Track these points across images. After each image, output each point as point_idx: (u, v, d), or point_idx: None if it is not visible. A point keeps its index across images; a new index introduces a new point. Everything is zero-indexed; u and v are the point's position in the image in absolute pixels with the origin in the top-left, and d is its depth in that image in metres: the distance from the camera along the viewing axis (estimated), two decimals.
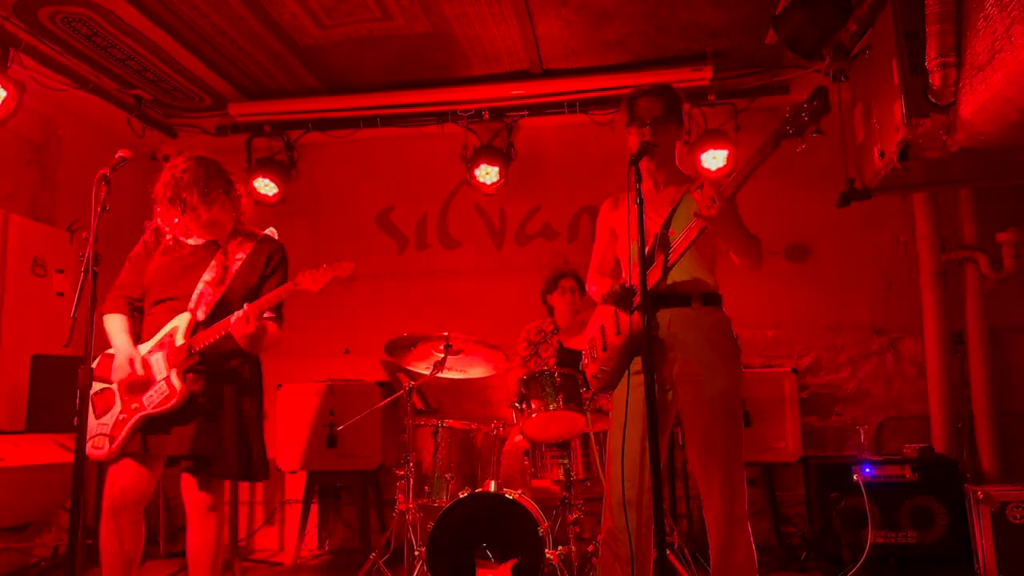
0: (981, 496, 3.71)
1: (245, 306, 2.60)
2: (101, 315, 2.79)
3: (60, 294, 4.73)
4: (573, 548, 3.41)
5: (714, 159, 4.70)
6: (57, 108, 4.87)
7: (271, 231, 2.96)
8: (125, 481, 2.66)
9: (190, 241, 2.85)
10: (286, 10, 4.02)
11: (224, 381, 2.75)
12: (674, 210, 2.60)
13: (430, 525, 3.38)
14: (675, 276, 2.53)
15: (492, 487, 3.46)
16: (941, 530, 3.92)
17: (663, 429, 2.56)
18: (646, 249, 2.38)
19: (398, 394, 3.85)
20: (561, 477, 3.55)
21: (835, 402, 4.95)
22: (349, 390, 4.76)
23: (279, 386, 4.77)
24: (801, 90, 4.75)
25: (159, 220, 2.82)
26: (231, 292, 2.76)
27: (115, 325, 2.81)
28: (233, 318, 2.60)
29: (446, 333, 3.52)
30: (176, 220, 2.77)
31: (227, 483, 2.84)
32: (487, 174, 5.03)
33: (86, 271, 2.34)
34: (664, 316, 2.53)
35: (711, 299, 2.58)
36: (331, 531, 5.20)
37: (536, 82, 4.85)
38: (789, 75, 4.75)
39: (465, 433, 3.75)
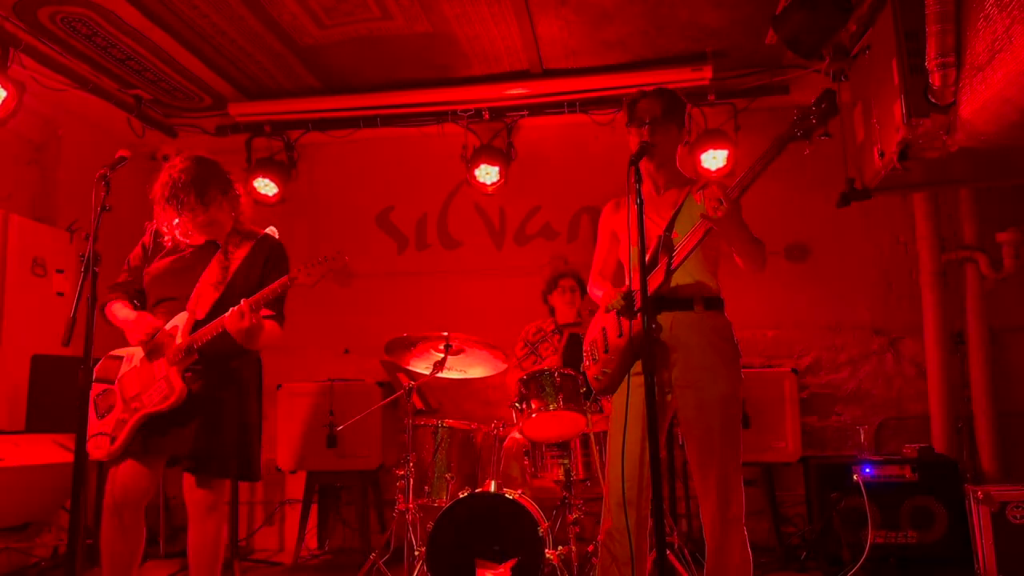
0: (981, 496, 3.71)
1: (242, 301, 2.60)
2: (102, 308, 2.78)
3: (60, 294, 4.74)
4: (573, 548, 3.41)
5: (714, 159, 4.70)
6: (57, 108, 4.87)
7: (271, 230, 2.95)
8: (126, 481, 2.65)
9: (189, 242, 2.85)
10: (286, 10, 4.03)
11: (224, 381, 2.75)
12: (677, 212, 2.60)
13: (430, 525, 3.38)
14: (678, 279, 2.53)
15: (492, 487, 3.46)
16: (941, 530, 3.92)
17: (660, 428, 2.57)
18: (648, 252, 2.38)
19: (398, 394, 3.85)
20: (561, 477, 3.55)
21: (835, 402, 4.95)
22: (349, 390, 4.76)
23: (279, 386, 4.77)
24: (801, 90, 4.76)
25: (158, 220, 2.82)
26: (231, 292, 2.75)
27: (118, 307, 2.81)
28: (229, 313, 2.60)
29: (446, 333, 3.52)
30: (175, 221, 2.77)
31: (227, 483, 2.84)
32: (487, 174, 5.03)
33: (86, 271, 2.34)
34: (666, 319, 2.53)
35: (713, 303, 2.58)
36: (331, 531, 5.20)
37: (536, 82, 4.85)
38: (789, 75, 4.75)
39: (465, 433, 3.75)
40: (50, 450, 4.03)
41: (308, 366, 5.10)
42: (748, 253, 2.51)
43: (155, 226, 2.85)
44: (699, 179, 2.78)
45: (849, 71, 4.09)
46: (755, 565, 2.53)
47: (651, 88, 2.70)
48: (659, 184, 2.70)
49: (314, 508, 5.02)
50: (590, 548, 3.48)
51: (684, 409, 2.54)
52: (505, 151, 5.11)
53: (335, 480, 5.02)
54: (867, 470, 3.98)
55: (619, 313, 2.57)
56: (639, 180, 2.32)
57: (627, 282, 2.62)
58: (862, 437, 4.57)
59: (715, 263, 2.64)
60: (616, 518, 2.48)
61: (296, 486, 5.08)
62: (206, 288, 2.74)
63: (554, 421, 3.46)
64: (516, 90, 4.88)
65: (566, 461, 3.56)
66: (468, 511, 3.37)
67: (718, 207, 2.32)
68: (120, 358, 2.79)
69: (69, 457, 3.88)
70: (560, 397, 3.40)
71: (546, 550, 3.29)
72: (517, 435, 3.82)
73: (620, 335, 2.58)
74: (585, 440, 3.57)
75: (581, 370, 2.96)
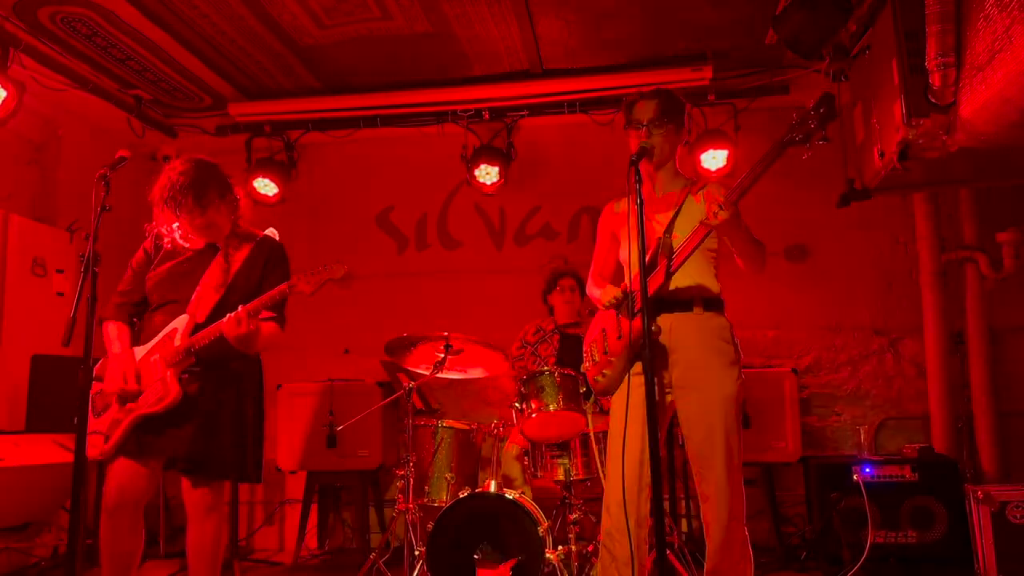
0: (981, 496, 3.71)
1: (239, 307, 2.60)
2: (101, 320, 2.79)
3: (60, 294, 4.73)
4: (573, 548, 3.41)
5: (714, 159, 4.70)
6: (57, 108, 4.87)
7: (271, 231, 2.95)
8: (124, 481, 2.66)
9: (189, 245, 2.85)
10: (286, 10, 4.02)
11: (223, 382, 2.75)
12: (676, 213, 2.59)
13: (430, 525, 3.38)
14: (678, 281, 2.53)
15: (492, 487, 3.46)
16: (941, 530, 3.92)
17: (660, 429, 2.56)
18: (648, 253, 2.38)
19: (398, 394, 3.85)
20: (561, 477, 3.55)
21: (835, 402, 4.95)
22: (349, 390, 4.76)
23: (279, 386, 4.77)
24: (801, 90, 4.75)
25: (157, 223, 2.82)
26: (231, 294, 2.75)
27: (112, 333, 2.81)
28: (226, 319, 2.60)
29: (446, 333, 3.52)
30: (174, 224, 2.77)
31: (227, 483, 2.84)
32: (487, 174, 5.03)
33: (86, 271, 2.34)
34: (666, 320, 2.53)
35: (713, 304, 2.58)
36: (331, 531, 5.20)
37: (536, 82, 4.85)
38: (789, 75, 4.74)
39: (465, 433, 3.75)
40: (50, 450, 4.03)
41: (308, 366, 5.10)
42: (749, 254, 2.51)
43: (155, 229, 2.85)
44: (698, 180, 2.77)
45: (849, 71, 4.08)
46: (755, 565, 2.53)
47: (649, 89, 2.70)
48: (658, 185, 2.70)
49: (314, 508, 5.02)
50: (590, 548, 3.48)
51: (685, 410, 2.54)
52: (505, 151, 5.11)
53: (335, 480, 5.03)
54: (867, 470, 3.98)
55: (618, 311, 2.57)
56: (639, 181, 2.32)
57: (627, 283, 2.62)
58: (862, 437, 4.57)
59: (715, 264, 2.64)
60: (616, 518, 2.48)
61: (296, 486, 5.08)
62: (206, 291, 2.74)
63: (554, 421, 3.46)
64: (516, 90, 4.88)
65: (566, 461, 3.56)
66: (468, 511, 3.37)
67: (718, 212, 2.31)
68: None
69: (69, 457, 3.88)
70: (560, 397, 3.40)
71: (546, 550, 3.28)
72: (517, 435, 3.82)
73: (619, 336, 2.58)
74: (585, 440, 3.56)
75: (581, 370, 2.96)
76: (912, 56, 3.16)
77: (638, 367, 2.49)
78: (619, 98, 2.78)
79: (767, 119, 4.79)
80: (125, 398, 2.69)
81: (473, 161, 5.02)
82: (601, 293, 2.67)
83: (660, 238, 2.55)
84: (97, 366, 2.77)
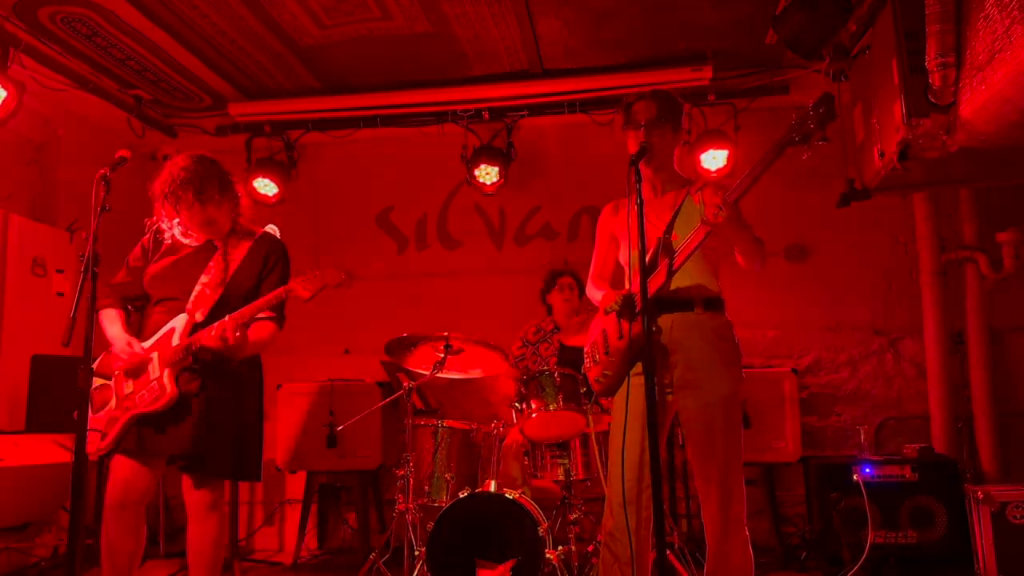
0: (981, 496, 3.71)
1: (226, 318, 2.60)
2: (97, 310, 2.79)
3: (60, 294, 4.73)
4: (573, 548, 3.41)
5: (714, 159, 4.70)
6: (57, 108, 4.87)
7: (271, 228, 2.95)
8: (125, 480, 2.66)
9: (188, 242, 2.85)
10: (286, 10, 4.02)
11: (222, 381, 2.74)
12: (676, 214, 2.59)
13: (430, 525, 3.37)
14: (678, 281, 2.52)
15: (492, 487, 3.46)
16: (941, 530, 3.92)
17: (661, 428, 2.56)
18: (648, 254, 2.38)
19: (398, 394, 3.85)
20: (561, 477, 3.55)
21: (835, 402, 4.95)
22: (349, 390, 4.76)
23: (279, 386, 4.77)
24: (801, 90, 4.75)
25: (157, 217, 2.82)
26: (230, 292, 2.75)
27: (109, 318, 2.81)
28: (213, 330, 2.59)
29: (446, 333, 3.51)
30: (174, 219, 2.77)
31: (227, 483, 2.84)
32: (487, 174, 5.03)
33: (86, 271, 2.34)
34: (666, 321, 2.53)
35: (714, 304, 2.58)
36: (331, 531, 5.20)
37: (536, 82, 4.85)
38: (789, 75, 4.75)
39: (465, 433, 3.75)
40: (50, 450, 4.03)
41: (308, 366, 5.10)
42: (749, 252, 2.52)
43: (155, 223, 2.85)
44: (697, 179, 2.77)
45: (849, 71, 4.08)
46: (755, 565, 2.53)
47: (647, 90, 2.70)
48: (657, 186, 2.70)
49: (314, 508, 5.02)
50: (590, 548, 3.48)
51: (685, 410, 2.54)
52: (505, 151, 5.11)
53: (335, 480, 5.03)
54: (867, 470, 3.98)
55: (619, 315, 2.57)
56: (639, 180, 2.32)
57: (627, 284, 2.62)
58: (862, 437, 4.56)
59: (715, 264, 2.63)
60: (619, 519, 2.48)
61: (296, 486, 5.08)
62: (205, 289, 2.74)
63: (554, 421, 3.46)
64: (516, 90, 4.88)
65: (566, 461, 3.56)
66: (468, 511, 3.37)
67: (718, 212, 2.31)
68: None
69: (69, 457, 3.88)
70: (560, 397, 3.40)
71: (546, 550, 3.28)
72: (517, 435, 3.82)
73: (620, 337, 2.58)
74: (585, 440, 3.57)
75: (582, 372, 2.96)
76: (912, 56, 3.15)
77: (639, 367, 2.49)
78: (619, 98, 2.77)
79: (767, 119, 4.78)
80: (134, 372, 2.68)
81: (473, 161, 5.02)
82: (602, 297, 2.67)
83: (660, 238, 2.55)
84: (97, 361, 2.77)
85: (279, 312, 2.82)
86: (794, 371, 4.58)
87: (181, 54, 4.43)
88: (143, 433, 2.66)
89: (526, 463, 3.75)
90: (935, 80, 3.02)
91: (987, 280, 4.50)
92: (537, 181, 5.34)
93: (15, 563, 4.29)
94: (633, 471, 2.48)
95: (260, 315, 2.71)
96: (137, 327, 2.85)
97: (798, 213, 4.99)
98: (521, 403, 3.50)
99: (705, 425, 2.49)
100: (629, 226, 2.47)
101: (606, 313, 2.63)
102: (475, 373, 3.83)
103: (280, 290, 2.67)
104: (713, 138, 4.70)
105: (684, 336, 2.53)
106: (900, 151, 3.37)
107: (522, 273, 5.06)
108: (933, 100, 3.11)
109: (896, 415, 4.85)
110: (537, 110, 5.03)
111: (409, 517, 3.53)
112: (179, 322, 2.70)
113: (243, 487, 5.06)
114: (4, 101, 3.94)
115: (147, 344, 2.74)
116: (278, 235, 2.96)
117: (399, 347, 3.65)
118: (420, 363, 3.72)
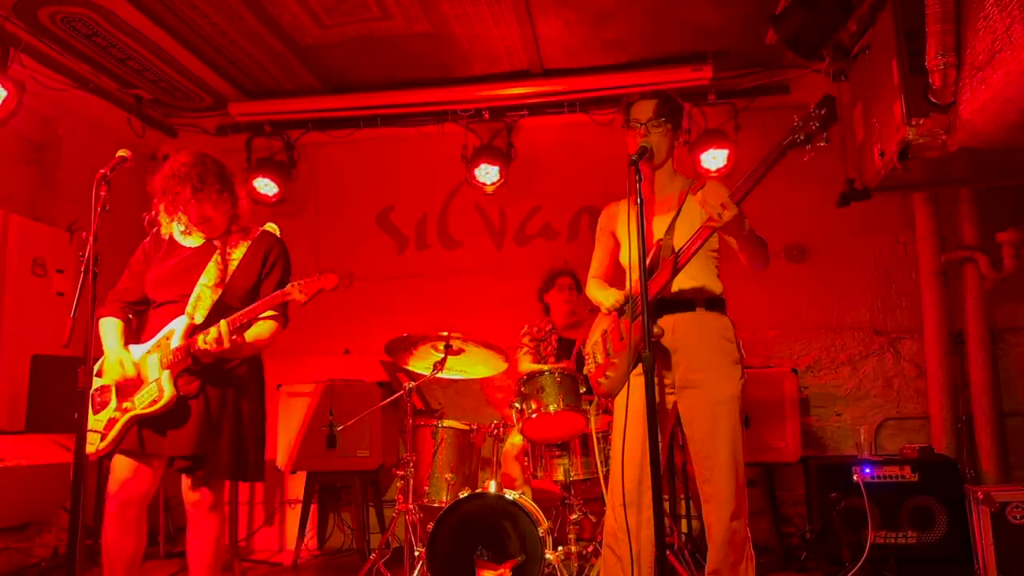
0: (981, 496, 3.71)
1: (220, 323, 2.60)
2: (98, 319, 2.79)
3: (60, 294, 4.73)
4: (573, 548, 3.41)
5: (714, 159, 4.70)
6: (57, 108, 4.87)
7: (271, 227, 2.95)
8: (126, 479, 2.65)
9: (188, 243, 2.85)
10: (286, 10, 4.02)
11: (222, 382, 2.74)
12: (676, 214, 2.59)
13: (430, 525, 3.37)
14: (680, 282, 2.53)
15: (492, 487, 3.46)
16: (941, 530, 3.92)
17: (663, 429, 2.56)
18: (649, 255, 2.38)
19: (398, 394, 3.85)
20: (561, 477, 3.55)
21: (835, 402, 4.95)
22: (349, 390, 4.76)
23: (279, 386, 4.77)
24: (801, 90, 4.76)
25: (156, 213, 2.82)
26: (229, 292, 2.75)
27: (107, 328, 2.81)
28: (208, 337, 2.59)
29: (446, 333, 3.52)
30: (173, 215, 2.77)
31: (226, 483, 2.84)
32: (487, 174, 5.03)
33: (86, 271, 2.34)
34: (668, 321, 2.53)
35: (715, 304, 2.58)
36: (331, 531, 5.20)
37: (536, 82, 4.85)
38: (789, 75, 4.75)
39: (465, 433, 3.75)
40: (50, 450, 4.03)
41: (308, 366, 5.10)
42: (752, 253, 2.51)
43: (154, 219, 2.84)
44: (697, 179, 2.77)
45: (849, 71, 4.08)
46: (756, 565, 2.53)
47: (647, 90, 2.70)
48: (656, 186, 2.70)
49: (314, 508, 5.02)
50: (590, 548, 3.48)
51: (687, 410, 2.54)
52: (505, 151, 5.11)
53: (335, 480, 5.03)
54: (867, 470, 3.98)
55: (620, 315, 2.57)
56: (640, 179, 2.32)
57: (627, 285, 2.62)
58: (862, 437, 4.57)
59: (717, 264, 2.64)
60: (619, 518, 2.48)
61: (296, 486, 5.08)
62: (204, 290, 2.74)
63: (554, 421, 3.46)
64: (516, 90, 4.88)
65: (566, 461, 3.56)
66: (468, 511, 3.37)
67: (722, 213, 2.31)
68: None
69: (69, 457, 3.85)
70: (560, 397, 3.40)
71: (546, 550, 3.28)
72: (517, 435, 3.81)
73: (621, 338, 2.58)
74: (585, 440, 3.56)
75: (584, 372, 2.95)
76: (912, 56, 3.15)
77: (640, 368, 2.49)
78: (619, 98, 2.78)
79: (767, 119, 4.79)
80: (125, 388, 2.69)
81: (473, 161, 5.02)
82: (603, 297, 2.67)
83: (661, 239, 2.55)
84: (98, 363, 2.77)
85: (281, 311, 2.81)
86: (794, 371, 4.58)
87: (181, 54, 4.43)
88: (144, 434, 2.65)
89: (526, 463, 3.74)
90: (935, 80, 3.02)
91: (987, 280, 4.49)
92: (537, 181, 5.34)
93: (15, 563, 4.29)
94: (634, 471, 2.48)
95: (261, 315, 2.71)
96: (137, 331, 2.85)
97: (798, 213, 5.00)
98: (521, 403, 3.49)
99: (707, 425, 2.49)
100: (629, 226, 2.47)
101: (607, 312, 2.63)
102: (475, 373, 3.83)
103: (277, 294, 2.67)
104: (713, 138, 4.70)
105: (685, 336, 2.53)
106: (900, 151, 3.37)
107: (522, 273, 5.05)
108: (933, 100, 3.11)
109: (896, 415, 4.85)
110: (537, 110, 5.04)
111: (409, 517, 3.53)
112: (178, 324, 2.69)
113: (243, 487, 5.07)
114: (4, 101, 3.94)
115: (147, 346, 2.74)
116: (278, 233, 2.95)
117: (399, 347, 3.65)
118: (420, 363, 3.72)
